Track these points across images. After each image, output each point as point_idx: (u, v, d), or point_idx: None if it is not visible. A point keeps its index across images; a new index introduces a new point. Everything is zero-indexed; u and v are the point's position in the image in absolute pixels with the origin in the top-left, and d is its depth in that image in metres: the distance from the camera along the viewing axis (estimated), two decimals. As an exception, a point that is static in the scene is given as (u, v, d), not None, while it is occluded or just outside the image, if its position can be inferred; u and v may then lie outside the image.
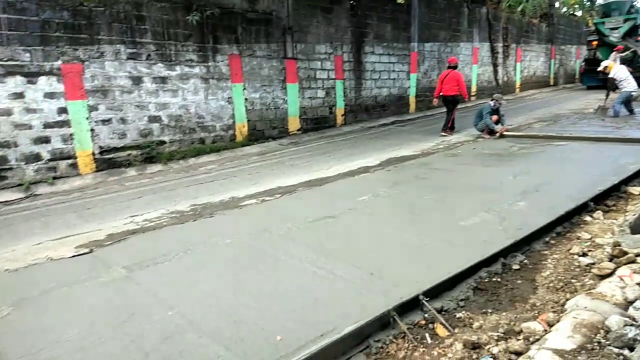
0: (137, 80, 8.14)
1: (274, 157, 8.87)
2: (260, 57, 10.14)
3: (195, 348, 2.57)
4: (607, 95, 11.77)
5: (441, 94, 10.57)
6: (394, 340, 2.69)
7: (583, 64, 20.80)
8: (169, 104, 8.65)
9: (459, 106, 10.84)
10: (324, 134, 11.43)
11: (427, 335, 2.73)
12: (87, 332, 2.80)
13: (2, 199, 6.51)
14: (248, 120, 10.08)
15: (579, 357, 2.15)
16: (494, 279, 3.37)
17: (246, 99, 9.97)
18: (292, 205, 5.45)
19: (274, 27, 10.32)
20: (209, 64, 9.20)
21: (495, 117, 9.46)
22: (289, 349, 2.50)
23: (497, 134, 9.38)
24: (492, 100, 9.64)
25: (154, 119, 8.45)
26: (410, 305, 2.92)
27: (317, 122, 11.72)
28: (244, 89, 9.90)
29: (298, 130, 11.24)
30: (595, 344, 2.24)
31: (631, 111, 10.98)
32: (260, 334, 2.67)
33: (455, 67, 10.62)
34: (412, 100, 14.79)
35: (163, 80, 8.51)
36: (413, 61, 14.51)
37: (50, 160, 7.26)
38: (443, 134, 10.38)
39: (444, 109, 10.98)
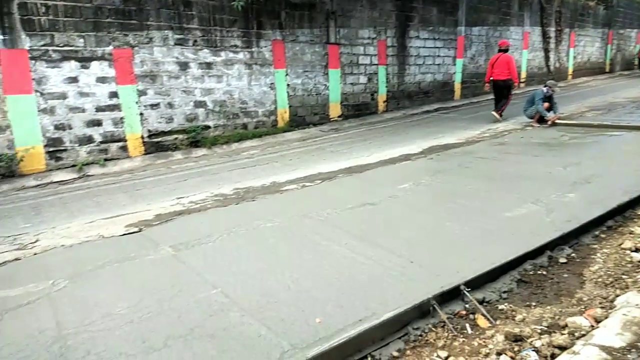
0: (183, 66, 8.34)
1: (314, 144, 8.91)
2: (303, 43, 10.14)
3: (237, 326, 2.65)
4: None
5: (491, 78, 10.27)
6: (433, 329, 2.68)
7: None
8: (214, 90, 8.82)
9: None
10: (365, 120, 11.35)
11: (467, 325, 2.70)
12: (136, 306, 2.93)
13: (57, 178, 6.89)
14: (290, 106, 10.15)
15: (629, 356, 2.07)
16: (539, 272, 3.28)
17: (288, 85, 10.03)
18: (332, 191, 5.47)
19: (317, 11, 10.28)
20: (253, 49, 9.29)
21: (546, 105, 9.09)
22: (327, 332, 2.53)
23: (549, 122, 9.04)
24: (545, 86, 9.25)
25: (199, 104, 8.66)
26: (450, 295, 2.90)
27: (358, 109, 11.64)
28: (286, 74, 9.95)
29: (339, 116, 11.21)
30: (647, 342, 2.15)
31: None
32: (300, 316, 2.72)
33: (506, 50, 10.24)
34: (457, 87, 14.42)
35: (208, 65, 8.67)
36: (460, 46, 14.10)
37: (101, 142, 7.59)
38: (494, 113, 10.19)
39: (492, 96, 10.66)
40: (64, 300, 3.09)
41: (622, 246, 3.54)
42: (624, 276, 3.07)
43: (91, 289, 3.23)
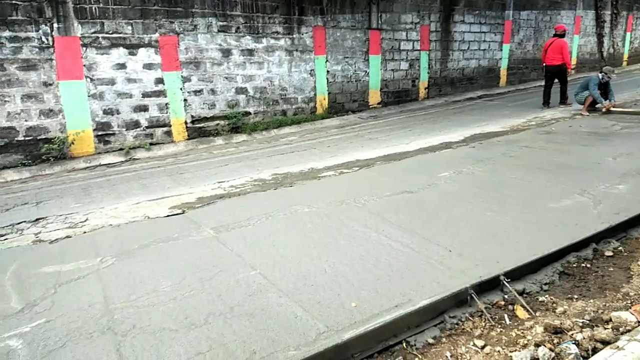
0: (226, 53, 8.47)
1: (352, 131, 8.88)
2: (344, 28, 10.06)
3: (275, 307, 2.72)
4: None
5: (545, 64, 10.07)
6: (470, 318, 2.66)
7: None
8: (255, 76, 8.93)
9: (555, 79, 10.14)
10: (405, 107, 11.19)
11: (505, 316, 2.66)
12: (179, 284, 3.05)
13: (105, 161, 7.21)
14: (329, 93, 10.14)
15: (677, 353, 1.99)
16: (583, 265, 3.18)
17: (328, 72, 10.01)
18: (369, 178, 5.46)
19: (359, -4, 10.17)
20: (294, 36, 9.31)
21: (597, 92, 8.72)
22: (363, 316, 2.56)
23: (603, 110, 8.65)
24: (601, 72, 8.83)
25: (240, 90, 8.79)
26: (489, 285, 2.86)
27: (398, 96, 11.49)
28: (326, 61, 9.93)
29: (378, 103, 11.10)
30: (697, 341, 2.06)
31: None
32: (336, 299, 2.75)
33: (562, 36, 10.02)
34: (503, 73, 13.95)
35: (250, 52, 8.77)
36: (507, 31, 13.61)
37: (147, 127, 7.86)
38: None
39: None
40: (111, 276, 3.25)
41: (675, 241, 3.37)
42: (675, 272, 2.93)
43: (137, 266, 3.38)
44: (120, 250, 3.68)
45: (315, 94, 9.92)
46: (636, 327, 2.32)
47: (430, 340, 2.52)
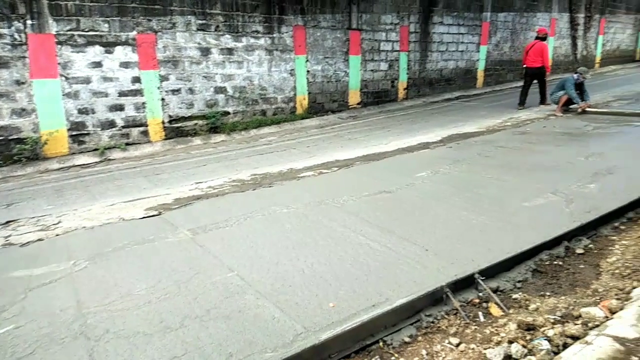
0: (205, 52, 8.39)
1: (332, 131, 8.90)
2: (325, 28, 10.08)
3: (252, 308, 2.71)
4: None
5: (525, 65, 10.35)
6: (445, 316, 2.70)
7: None
8: (234, 76, 8.87)
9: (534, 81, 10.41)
10: (384, 108, 11.26)
11: (480, 313, 2.70)
12: (154, 287, 3.01)
13: (80, 162, 7.06)
14: (309, 93, 10.14)
15: (642, 347, 2.05)
16: (555, 262, 3.25)
17: (308, 71, 10.00)
18: (348, 178, 5.48)
19: (339, -3, 10.19)
20: (274, 35, 9.28)
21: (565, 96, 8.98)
22: (341, 316, 2.57)
23: (580, 109, 8.89)
24: (576, 73, 9.07)
25: (219, 89, 8.72)
26: (464, 283, 2.90)
27: (377, 96, 11.56)
28: (307, 60, 9.93)
29: (358, 103, 11.15)
30: (662, 335, 2.13)
31: None
32: (314, 300, 2.76)
33: (544, 39, 10.33)
34: (480, 74, 14.16)
35: (230, 51, 8.71)
36: (484, 32, 13.81)
37: (123, 127, 7.73)
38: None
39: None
40: (84, 280, 3.19)
41: (643, 238, 3.48)
42: (642, 269, 3.02)
43: (111, 269, 3.33)
44: (94, 253, 3.62)
45: (295, 94, 9.91)
46: (604, 322, 2.38)
47: (407, 339, 2.54)
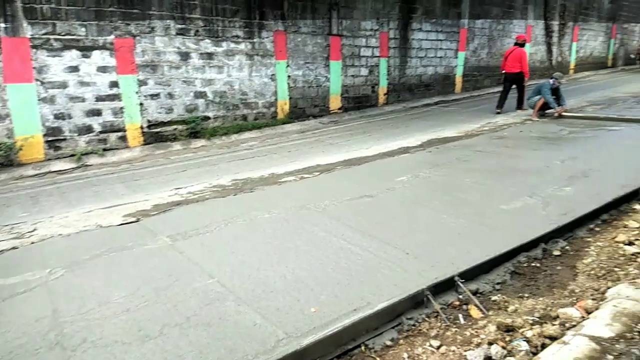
0: (184, 56, 8.32)
1: (313, 136, 8.91)
2: (305, 34, 10.10)
3: (233, 315, 2.68)
4: None
5: (504, 71, 10.57)
6: (426, 319, 2.72)
7: None
8: (214, 80, 8.81)
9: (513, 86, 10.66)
10: (365, 113, 11.34)
11: (460, 316, 2.73)
12: (132, 295, 2.96)
13: (56, 168, 6.90)
14: (290, 98, 10.14)
15: (617, 346, 2.10)
16: (533, 264, 3.31)
17: (289, 76, 10.01)
18: (330, 183, 5.49)
19: (320, 2, 10.22)
20: (255, 40, 9.27)
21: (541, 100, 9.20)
22: (322, 321, 2.56)
23: (556, 114, 9.11)
24: (551, 78, 9.31)
25: (199, 94, 8.65)
26: (444, 286, 2.93)
27: (358, 101, 11.62)
28: (288, 66, 9.93)
29: (339, 109, 11.20)
30: (635, 333, 2.19)
31: None
32: (296, 305, 2.75)
33: (522, 45, 10.55)
34: (458, 80, 14.37)
35: (209, 56, 8.65)
36: (462, 39, 14.04)
37: (101, 132, 7.60)
38: (498, 111, 10.51)
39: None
40: (60, 288, 3.12)
41: (616, 239, 3.57)
42: (616, 269, 3.10)
43: (88, 277, 3.26)
44: (70, 261, 3.54)
45: (276, 99, 9.90)
46: (581, 322, 2.43)
47: (388, 343, 2.55)
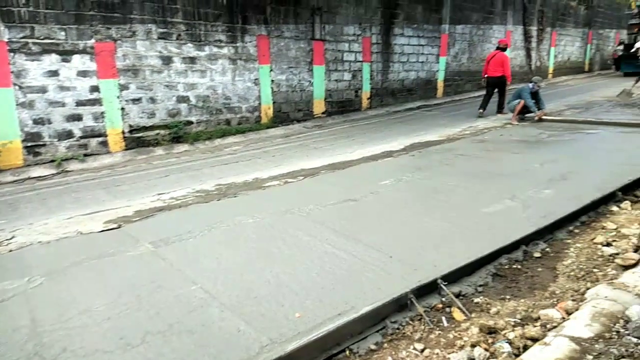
0: (167, 60, 8.26)
1: (297, 140, 8.91)
2: (288, 38, 10.12)
3: (217, 321, 2.66)
4: (638, 80, 11.32)
5: (486, 75, 10.66)
6: (410, 322, 2.73)
7: (619, 48, 19.90)
8: (197, 85, 8.76)
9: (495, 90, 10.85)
10: (349, 117, 11.38)
11: (443, 318, 2.75)
12: (114, 303, 2.91)
13: (35, 174, 6.77)
14: (273, 102, 10.13)
15: (596, 345, 2.14)
16: (514, 266, 3.36)
17: (272, 81, 10.00)
18: (314, 187, 5.49)
19: (302, 7, 10.26)
20: (237, 44, 9.24)
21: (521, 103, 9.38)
22: (307, 326, 2.56)
23: (537, 118, 9.28)
24: (531, 82, 9.50)
25: (182, 99, 8.58)
26: (428, 289, 2.95)
27: (342, 106, 11.67)
28: (271, 70, 9.92)
29: (323, 113, 11.22)
30: (614, 333, 2.23)
31: None
32: (280, 311, 2.74)
33: (504, 49, 10.70)
34: (440, 85, 14.54)
35: (192, 60, 8.60)
36: (443, 44, 14.21)
37: (81, 137, 7.48)
38: (480, 111, 10.71)
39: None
40: (39, 297, 3.05)
41: (594, 241, 3.64)
42: (595, 270, 3.16)
43: (68, 285, 3.20)
44: (50, 269, 3.47)
45: (259, 103, 9.87)
46: (561, 323, 2.47)
47: (373, 347, 2.56)
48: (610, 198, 4.51)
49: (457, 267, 3.14)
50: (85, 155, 7.47)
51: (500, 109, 10.80)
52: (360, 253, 3.47)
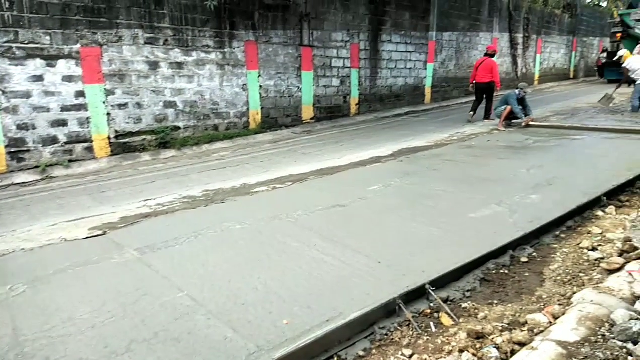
0: (153, 65, 8.20)
1: (286, 146, 8.90)
2: (277, 44, 10.12)
3: (203, 329, 2.63)
4: (619, 86, 11.52)
5: (475, 81, 10.73)
6: (398, 327, 2.72)
7: (602, 55, 20.28)
8: (185, 90, 8.71)
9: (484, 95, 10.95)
10: (337, 123, 11.40)
11: (432, 324, 2.75)
12: (98, 311, 2.87)
13: (19, 180, 6.66)
14: (262, 108, 10.11)
15: (582, 349, 2.15)
16: (502, 271, 3.37)
17: (261, 87, 9.99)
18: (302, 193, 5.48)
19: (291, 13, 10.28)
20: (225, 50, 9.22)
21: (509, 108, 9.49)
22: (295, 333, 2.54)
23: (524, 124, 9.38)
24: (517, 89, 9.61)
25: (169, 104, 8.53)
26: (416, 294, 2.94)
27: (330, 111, 11.69)
28: (259, 76, 9.91)
29: (311, 119, 11.23)
30: (600, 337, 2.24)
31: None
32: (267, 318, 2.71)
33: (492, 55, 10.85)
34: (427, 91, 14.65)
35: (179, 65, 8.56)
36: (430, 51, 14.34)
37: (66, 143, 7.38)
38: (470, 114, 10.88)
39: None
40: (22, 306, 2.99)
41: (580, 245, 3.67)
42: (581, 274, 3.19)
43: (52, 293, 3.14)
44: (33, 277, 3.40)
45: (248, 109, 9.85)
46: (548, 327, 2.48)
47: (361, 353, 2.54)
48: (596, 203, 4.56)
49: (445, 272, 3.14)
50: (70, 161, 7.37)
51: (487, 115, 10.91)
52: (348, 259, 3.46)
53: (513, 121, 9.79)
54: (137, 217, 4.74)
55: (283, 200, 5.17)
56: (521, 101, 9.56)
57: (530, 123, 9.54)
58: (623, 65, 10.92)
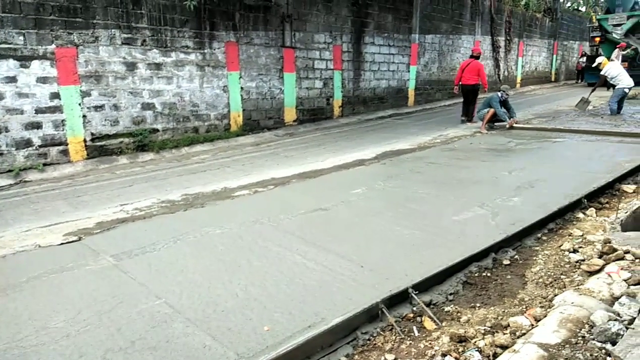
0: (131, 66, 8.04)
1: (268, 148, 8.82)
2: (258, 45, 10.04)
3: (181, 337, 2.56)
4: (593, 89, 11.79)
5: (461, 82, 10.79)
6: (381, 332, 2.69)
7: (582, 59, 20.74)
8: (163, 91, 8.57)
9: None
10: (320, 125, 11.37)
11: (414, 328, 2.72)
12: (73, 319, 2.78)
13: (-8, 184, 6.46)
14: (243, 110, 10.01)
15: (563, 351, 2.15)
16: (484, 274, 3.37)
17: (242, 88, 9.89)
18: (285, 196, 5.42)
19: (272, 14, 10.21)
20: (205, 51, 9.11)
21: (492, 111, 9.57)
22: (276, 339, 2.49)
23: (508, 126, 9.48)
24: (500, 91, 9.72)
25: (147, 106, 8.37)
26: (399, 298, 2.91)
27: (313, 113, 11.65)
28: (240, 77, 9.82)
29: (294, 121, 11.17)
30: (580, 338, 2.25)
31: (619, 109, 10.80)
32: (248, 324, 2.65)
33: (477, 57, 10.93)
34: (411, 93, 14.72)
35: (158, 66, 8.41)
36: (413, 53, 14.41)
37: (41, 146, 7.18)
38: (464, 118, 11.00)
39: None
40: (-8, 315, 2.87)
41: (562, 247, 3.70)
42: (562, 276, 3.20)
43: (25, 301, 3.03)
44: (5, 284, 3.28)
45: (229, 111, 9.74)
46: (530, 330, 2.47)
47: (343, 359, 2.51)
48: (577, 205, 4.61)
49: (428, 275, 3.12)
50: (45, 164, 7.18)
51: (470, 118, 11.00)
52: (331, 263, 3.42)
53: (495, 124, 9.89)
54: (113, 222, 4.62)
55: (264, 204, 5.10)
56: (504, 103, 9.67)
57: (514, 125, 9.65)
58: (601, 73, 11.15)
